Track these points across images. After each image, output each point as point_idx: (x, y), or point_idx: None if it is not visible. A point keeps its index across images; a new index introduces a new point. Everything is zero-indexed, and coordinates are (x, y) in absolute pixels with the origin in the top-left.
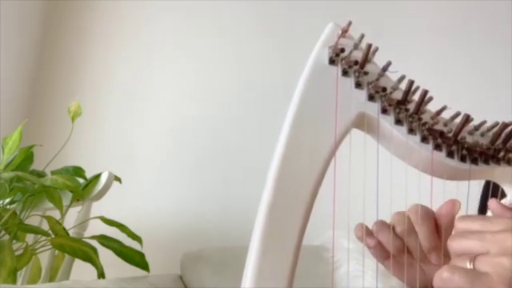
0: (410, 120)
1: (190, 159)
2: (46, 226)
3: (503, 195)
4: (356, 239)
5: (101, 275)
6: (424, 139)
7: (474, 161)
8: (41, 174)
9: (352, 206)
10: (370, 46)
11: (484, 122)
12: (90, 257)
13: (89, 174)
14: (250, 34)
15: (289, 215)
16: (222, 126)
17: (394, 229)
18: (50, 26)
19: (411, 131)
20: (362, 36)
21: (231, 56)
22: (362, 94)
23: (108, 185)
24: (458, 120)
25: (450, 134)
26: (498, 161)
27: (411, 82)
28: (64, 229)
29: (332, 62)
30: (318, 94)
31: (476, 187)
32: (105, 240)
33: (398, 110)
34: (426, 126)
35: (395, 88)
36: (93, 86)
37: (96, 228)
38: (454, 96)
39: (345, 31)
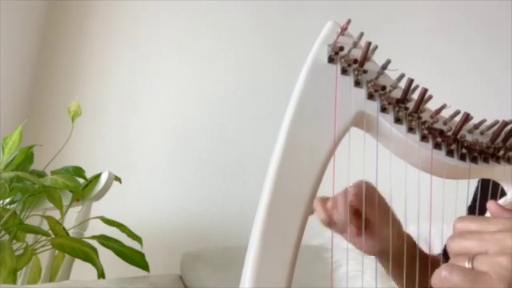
0: (410, 119)
1: (190, 159)
2: (46, 226)
3: (503, 194)
4: None
5: (101, 275)
6: (423, 138)
7: (474, 159)
8: (41, 174)
9: None
10: (369, 44)
11: (484, 121)
12: (90, 257)
13: (89, 174)
14: (250, 34)
15: (288, 214)
16: (221, 126)
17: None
18: (50, 26)
19: (411, 130)
20: (362, 34)
21: (231, 56)
22: (362, 92)
23: (108, 185)
24: (457, 119)
25: (450, 133)
26: (497, 159)
27: (411, 81)
28: (64, 229)
29: (331, 60)
30: (317, 92)
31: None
32: (105, 240)
33: (397, 109)
34: (426, 125)
35: (395, 86)
36: (93, 86)
37: (96, 228)
38: (454, 95)
39: (344, 29)
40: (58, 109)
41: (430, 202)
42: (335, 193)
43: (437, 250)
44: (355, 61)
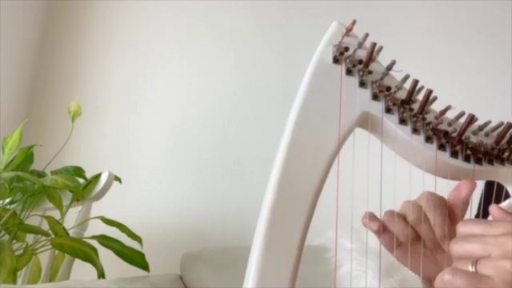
0: (415, 120)
1: (190, 159)
2: (45, 226)
3: (507, 196)
4: (357, 239)
5: (101, 275)
6: (428, 139)
7: (479, 161)
8: (41, 174)
9: (355, 206)
10: (374, 44)
11: (489, 122)
12: (90, 257)
13: (89, 174)
14: (250, 34)
15: (292, 215)
16: (222, 126)
17: (405, 218)
18: (50, 26)
19: (415, 131)
20: (367, 35)
21: (231, 56)
22: (366, 93)
23: (108, 185)
24: (462, 120)
25: (455, 134)
26: (502, 161)
27: (416, 82)
28: (64, 229)
29: (336, 60)
30: (322, 92)
31: (480, 188)
32: (105, 240)
33: (402, 110)
34: (431, 126)
35: (399, 87)
36: (93, 86)
37: (96, 228)
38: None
39: (349, 30)
40: (57, 109)
41: None
42: (338, 193)
43: None
44: (360, 61)
